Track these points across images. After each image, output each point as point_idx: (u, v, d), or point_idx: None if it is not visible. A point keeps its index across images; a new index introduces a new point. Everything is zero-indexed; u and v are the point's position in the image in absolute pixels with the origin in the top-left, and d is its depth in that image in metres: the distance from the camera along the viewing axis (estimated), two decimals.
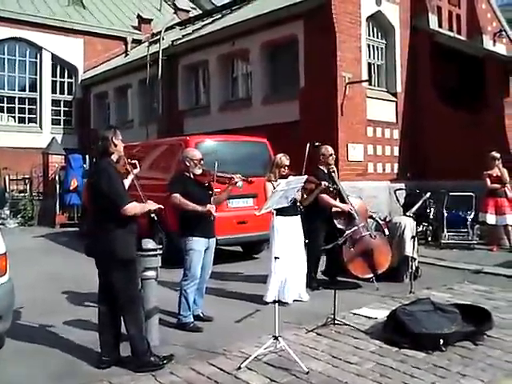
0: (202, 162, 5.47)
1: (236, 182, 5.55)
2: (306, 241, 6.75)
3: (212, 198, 5.37)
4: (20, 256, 7.70)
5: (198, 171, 5.45)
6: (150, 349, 4.31)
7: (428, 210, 10.40)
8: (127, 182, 4.52)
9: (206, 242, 5.36)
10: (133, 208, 4.19)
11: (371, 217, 7.73)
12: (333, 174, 7.04)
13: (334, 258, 7.02)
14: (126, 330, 4.28)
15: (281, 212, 5.47)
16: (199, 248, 5.30)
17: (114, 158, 4.36)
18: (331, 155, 7.06)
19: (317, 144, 7.29)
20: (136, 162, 4.68)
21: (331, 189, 6.62)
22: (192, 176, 5.44)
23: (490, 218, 9.58)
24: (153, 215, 4.51)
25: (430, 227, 10.56)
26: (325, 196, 6.80)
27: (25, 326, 5.33)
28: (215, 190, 5.47)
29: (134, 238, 4.33)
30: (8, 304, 4.41)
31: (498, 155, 9.74)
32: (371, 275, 6.85)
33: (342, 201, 6.97)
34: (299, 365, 4.09)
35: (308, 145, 6.83)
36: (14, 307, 4.59)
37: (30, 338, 4.99)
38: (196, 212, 5.24)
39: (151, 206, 4.43)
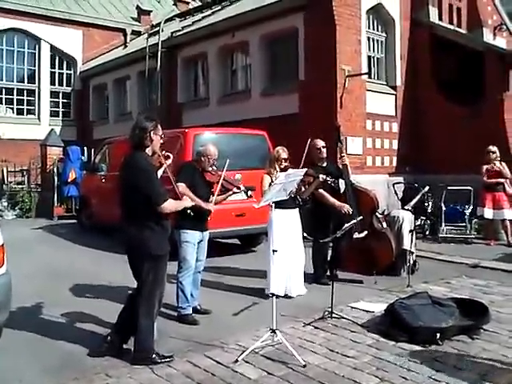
0: (216, 161, 5.55)
1: (238, 193, 5.76)
2: (305, 234, 6.73)
3: (211, 197, 5.47)
4: (18, 248, 7.69)
5: (209, 169, 5.52)
6: (153, 346, 4.26)
7: (426, 204, 10.43)
8: (159, 173, 4.47)
9: (200, 234, 5.43)
10: (170, 205, 4.16)
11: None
12: (343, 168, 7.01)
13: (333, 252, 7.01)
14: (137, 323, 4.21)
15: (279, 205, 5.50)
16: (193, 241, 5.37)
17: (149, 151, 4.25)
18: (319, 149, 6.90)
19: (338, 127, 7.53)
20: (169, 153, 4.63)
21: (329, 182, 6.57)
22: (200, 170, 5.51)
23: (488, 213, 9.58)
24: (189, 211, 4.69)
25: (428, 221, 10.58)
26: (324, 193, 6.72)
27: (23, 318, 5.31)
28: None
29: (167, 234, 4.29)
30: (5, 296, 4.37)
31: (494, 149, 9.71)
32: (367, 273, 6.84)
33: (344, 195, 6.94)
34: (296, 358, 4.09)
35: (309, 140, 6.79)
36: (11, 299, 4.58)
37: (27, 329, 5.00)
38: (199, 208, 5.20)
39: (187, 203, 4.50)
